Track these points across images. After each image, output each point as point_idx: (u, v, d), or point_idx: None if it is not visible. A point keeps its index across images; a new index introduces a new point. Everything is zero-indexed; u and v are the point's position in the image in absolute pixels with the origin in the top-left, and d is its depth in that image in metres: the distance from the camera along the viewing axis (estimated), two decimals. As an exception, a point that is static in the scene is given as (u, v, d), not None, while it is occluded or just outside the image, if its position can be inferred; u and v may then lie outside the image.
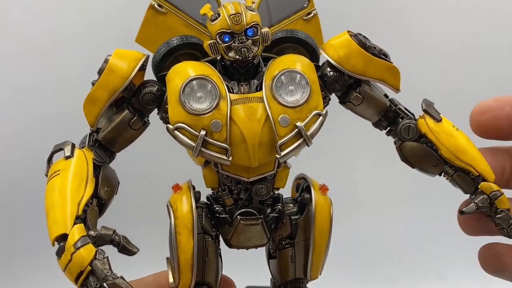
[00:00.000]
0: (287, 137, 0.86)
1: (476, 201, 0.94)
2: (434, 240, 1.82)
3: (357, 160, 1.81)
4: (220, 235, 0.97)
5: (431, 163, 0.96)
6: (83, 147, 0.91)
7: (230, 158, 0.85)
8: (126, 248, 0.81)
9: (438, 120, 0.95)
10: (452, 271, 1.80)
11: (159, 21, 0.99)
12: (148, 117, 0.95)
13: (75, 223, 0.79)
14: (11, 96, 1.76)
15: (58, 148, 0.89)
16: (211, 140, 0.85)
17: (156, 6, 0.99)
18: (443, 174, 0.97)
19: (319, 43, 1.03)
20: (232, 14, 0.86)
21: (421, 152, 0.96)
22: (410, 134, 0.96)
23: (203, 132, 0.84)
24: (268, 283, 1.09)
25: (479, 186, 0.94)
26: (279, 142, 0.85)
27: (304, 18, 1.04)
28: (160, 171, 1.66)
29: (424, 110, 0.97)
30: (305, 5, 1.04)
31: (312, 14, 1.05)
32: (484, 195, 0.94)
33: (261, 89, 0.88)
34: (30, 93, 1.76)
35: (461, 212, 0.94)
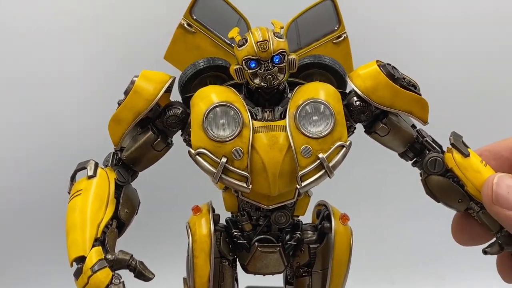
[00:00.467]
0: (308, 168, 0.84)
1: (500, 242, 0.91)
2: (434, 240, 1.78)
3: (358, 160, 1.78)
4: (237, 260, 0.96)
5: (456, 198, 0.93)
6: (106, 166, 0.92)
7: (250, 186, 0.85)
8: (142, 274, 0.81)
9: (465, 155, 0.93)
10: (452, 271, 1.79)
11: (188, 40, 0.99)
12: (171, 138, 0.95)
13: (93, 246, 0.80)
14: (38, 110, 1.80)
15: (82, 167, 0.90)
16: (231, 168, 0.84)
17: (185, 25, 0.99)
18: (469, 210, 0.95)
19: (348, 67, 1.01)
20: (260, 41, 0.85)
21: (447, 187, 0.93)
22: (436, 168, 0.94)
23: (224, 160, 0.84)
24: (268, 283, 1.08)
25: None
26: (300, 173, 0.84)
27: (334, 41, 1.02)
28: (181, 191, 1.66)
29: (452, 144, 0.94)
30: (336, 28, 1.02)
31: (342, 38, 1.03)
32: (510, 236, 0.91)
33: (285, 116, 0.87)
34: (56, 107, 1.79)
35: (484, 252, 0.92)
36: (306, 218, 1.02)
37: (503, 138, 1.01)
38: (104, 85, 1.64)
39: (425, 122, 0.93)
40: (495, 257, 0.97)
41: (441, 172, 0.94)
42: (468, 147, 0.95)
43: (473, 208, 0.93)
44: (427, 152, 0.95)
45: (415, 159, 0.97)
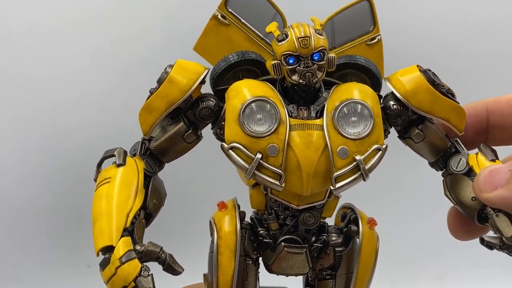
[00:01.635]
0: (344, 170, 0.83)
1: (507, 241, 0.86)
2: (435, 240, 1.78)
3: None
4: (260, 259, 0.95)
5: (470, 195, 0.89)
6: (134, 155, 0.90)
7: (283, 185, 0.83)
8: (172, 267, 0.79)
9: (490, 159, 0.91)
10: (452, 271, 1.79)
11: (220, 32, 0.97)
12: (201, 130, 0.93)
13: (122, 236, 0.78)
14: (39, 108, 1.77)
15: (110, 154, 0.88)
16: (266, 164, 0.82)
17: (219, 17, 0.97)
18: (483, 215, 0.90)
19: (380, 70, 1.00)
20: (301, 37, 0.83)
21: (463, 183, 0.91)
22: (459, 166, 0.92)
23: (259, 156, 0.82)
24: (272, 283, 1.07)
25: None
26: (335, 174, 0.83)
27: (368, 43, 1.01)
28: (206, 186, 1.64)
29: (479, 148, 0.94)
30: (371, 29, 1.01)
31: (376, 40, 1.02)
32: None
33: (320, 115, 0.86)
34: (58, 106, 1.77)
35: (481, 239, 0.89)
36: (329, 220, 1.01)
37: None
38: (109, 83, 1.62)
39: (461, 131, 0.92)
40: (495, 257, 0.95)
41: (463, 172, 0.92)
42: (497, 158, 0.93)
43: (488, 210, 0.88)
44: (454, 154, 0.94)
45: (445, 169, 0.96)
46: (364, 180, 0.84)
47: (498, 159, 0.94)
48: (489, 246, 0.89)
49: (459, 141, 0.95)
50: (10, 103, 1.75)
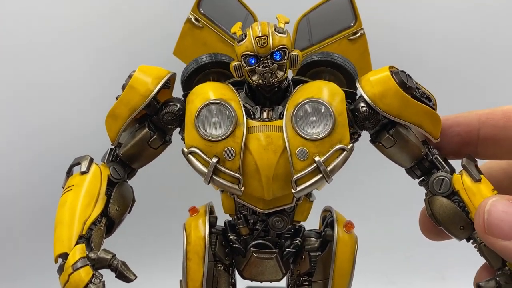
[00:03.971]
0: (304, 172, 0.80)
1: (498, 279, 0.81)
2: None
3: (359, 160, 1.71)
4: (234, 264, 0.93)
5: (458, 225, 0.85)
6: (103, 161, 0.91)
7: (242, 189, 0.81)
8: (123, 275, 0.79)
9: (476, 180, 0.84)
10: (452, 271, 1.75)
11: (195, 35, 0.97)
12: (170, 135, 0.92)
13: (77, 243, 0.79)
14: (41, 112, 1.81)
15: (77, 162, 0.89)
16: (222, 169, 0.81)
17: (193, 20, 0.96)
18: (470, 241, 0.86)
19: (366, 65, 0.96)
20: (258, 37, 0.81)
21: (450, 211, 0.85)
22: (442, 188, 0.86)
23: (214, 160, 0.80)
24: (268, 283, 1.04)
25: (507, 264, 0.81)
26: (295, 177, 0.80)
27: (350, 38, 0.96)
28: (183, 190, 1.64)
29: (463, 166, 0.86)
30: (352, 24, 0.97)
31: (358, 34, 0.97)
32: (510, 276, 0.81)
33: (284, 116, 0.83)
34: (59, 109, 1.80)
35: (478, 286, 0.82)
36: (313, 224, 0.97)
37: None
38: (105, 83, 1.64)
39: (435, 137, 0.85)
40: None
41: (446, 194, 0.86)
42: (481, 173, 0.86)
43: (476, 238, 0.84)
44: (435, 171, 0.88)
45: (422, 177, 0.90)
46: (327, 181, 0.80)
47: (482, 174, 0.86)
48: None
49: (439, 157, 0.88)
50: (10, 105, 1.80)
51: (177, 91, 0.93)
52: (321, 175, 0.80)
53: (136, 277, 0.80)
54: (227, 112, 0.82)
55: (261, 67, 0.82)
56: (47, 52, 1.78)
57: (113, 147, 0.92)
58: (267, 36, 0.81)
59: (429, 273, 1.75)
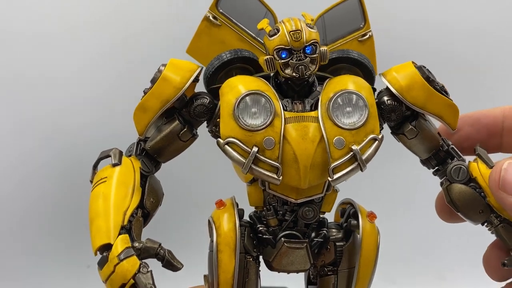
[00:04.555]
0: (341, 160, 0.82)
1: None
2: (435, 241, 1.80)
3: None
4: (260, 256, 0.94)
5: (477, 209, 0.91)
6: (130, 156, 0.90)
7: (281, 178, 0.82)
8: (171, 263, 0.78)
9: (490, 166, 0.91)
10: (452, 271, 1.78)
11: (212, 33, 0.98)
12: (196, 129, 0.93)
13: (119, 234, 0.77)
14: (40, 109, 1.77)
15: (105, 155, 0.87)
16: (262, 158, 0.82)
17: (211, 18, 0.97)
18: (486, 224, 0.93)
19: (373, 65, 1.00)
20: (292, 31, 0.84)
21: (469, 196, 0.91)
22: (460, 176, 0.92)
23: (255, 149, 0.82)
24: (274, 284, 1.05)
25: None
26: (332, 165, 0.82)
27: (359, 39, 1.02)
28: (203, 185, 1.64)
29: (477, 154, 0.93)
30: (361, 26, 1.02)
31: (367, 36, 1.02)
32: None
33: (315, 108, 0.86)
34: (77, 98, 1.76)
35: (503, 264, 0.90)
36: (329, 217, 1.00)
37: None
38: (110, 84, 1.62)
39: (454, 128, 0.92)
40: None
41: (464, 181, 0.92)
42: (492, 161, 0.93)
43: (493, 221, 0.91)
44: (450, 160, 0.94)
45: (437, 167, 0.96)
46: (361, 170, 0.84)
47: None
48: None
49: (455, 147, 0.95)
50: (10, 104, 1.74)
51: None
52: (356, 163, 0.83)
53: (183, 265, 0.80)
54: (266, 103, 0.83)
55: (294, 60, 0.84)
56: (44, 47, 1.74)
57: (139, 140, 0.92)
58: (300, 31, 0.84)
59: (430, 273, 1.78)
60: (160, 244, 0.79)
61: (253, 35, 0.99)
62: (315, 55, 0.85)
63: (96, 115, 1.65)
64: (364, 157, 0.83)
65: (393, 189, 1.81)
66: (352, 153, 0.83)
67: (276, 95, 0.86)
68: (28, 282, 1.73)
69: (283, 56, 0.85)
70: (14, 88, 1.75)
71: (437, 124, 0.96)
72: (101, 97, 1.66)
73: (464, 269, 1.72)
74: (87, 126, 1.67)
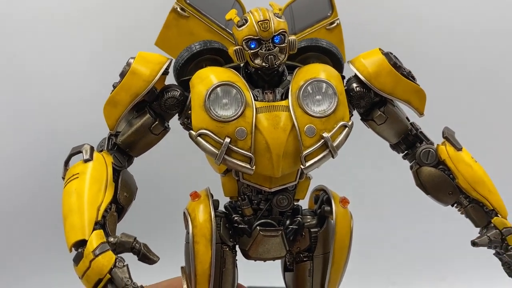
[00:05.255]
0: (312, 148, 0.84)
1: (488, 235, 0.92)
2: (435, 241, 1.81)
3: (358, 160, 1.79)
4: (237, 246, 0.94)
5: (447, 191, 0.94)
6: (101, 151, 0.89)
7: (254, 167, 0.83)
8: (147, 257, 0.79)
9: (458, 148, 0.94)
10: (453, 272, 1.79)
11: (181, 25, 0.98)
12: (168, 122, 0.93)
13: (94, 229, 0.77)
14: (28, 98, 1.74)
15: (76, 151, 0.87)
16: (235, 148, 0.83)
17: (178, 9, 0.97)
18: (455, 205, 0.96)
19: (342, 52, 1.01)
20: (260, 21, 0.84)
21: (438, 179, 0.94)
22: (429, 159, 0.94)
23: (227, 140, 0.82)
24: (269, 283, 1.06)
25: (492, 221, 0.93)
26: (304, 153, 0.83)
27: (327, 27, 1.03)
28: (176, 178, 1.63)
29: (445, 137, 0.96)
30: (329, 14, 1.03)
31: (335, 24, 1.03)
32: (496, 230, 0.92)
33: (286, 97, 0.87)
34: (46, 94, 1.74)
35: (473, 243, 0.93)
36: (303, 204, 1.01)
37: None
38: (106, 85, 1.60)
39: (421, 113, 0.94)
40: (496, 258, 0.97)
41: (433, 164, 0.95)
42: (459, 143, 0.96)
43: (462, 202, 0.95)
44: (419, 144, 0.96)
45: (406, 151, 0.98)
46: (333, 157, 0.85)
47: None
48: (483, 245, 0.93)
49: (423, 132, 0.97)
50: (7, 104, 1.72)
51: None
52: (328, 150, 0.84)
53: (159, 258, 0.80)
54: (237, 94, 0.84)
55: (264, 50, 0.85)
56: (42, 44, 1.71)
57: (110, 135, 0.91)
58: (269, 20, 0.85)
59: (430, 273, 1.78)
60: (135, 238, 0.79)
61: (222, 26, 0.99)
62: (284, 45, 0.86)
63: (93, 115, 1.62)
64: (335, 144, 0.85)
65: (394, 190, 1.80)
66: (323, 140, 0.84)
67: (247, 85, 0.86)
68: (27, 281, 1.72)
69: (252, 46, 0.85)
70: (7, 88, 1.73)
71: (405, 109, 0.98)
72: (101, 97, 1.64)
73: (465, 271, 1.73)
74: (87, 126, 1.64)
